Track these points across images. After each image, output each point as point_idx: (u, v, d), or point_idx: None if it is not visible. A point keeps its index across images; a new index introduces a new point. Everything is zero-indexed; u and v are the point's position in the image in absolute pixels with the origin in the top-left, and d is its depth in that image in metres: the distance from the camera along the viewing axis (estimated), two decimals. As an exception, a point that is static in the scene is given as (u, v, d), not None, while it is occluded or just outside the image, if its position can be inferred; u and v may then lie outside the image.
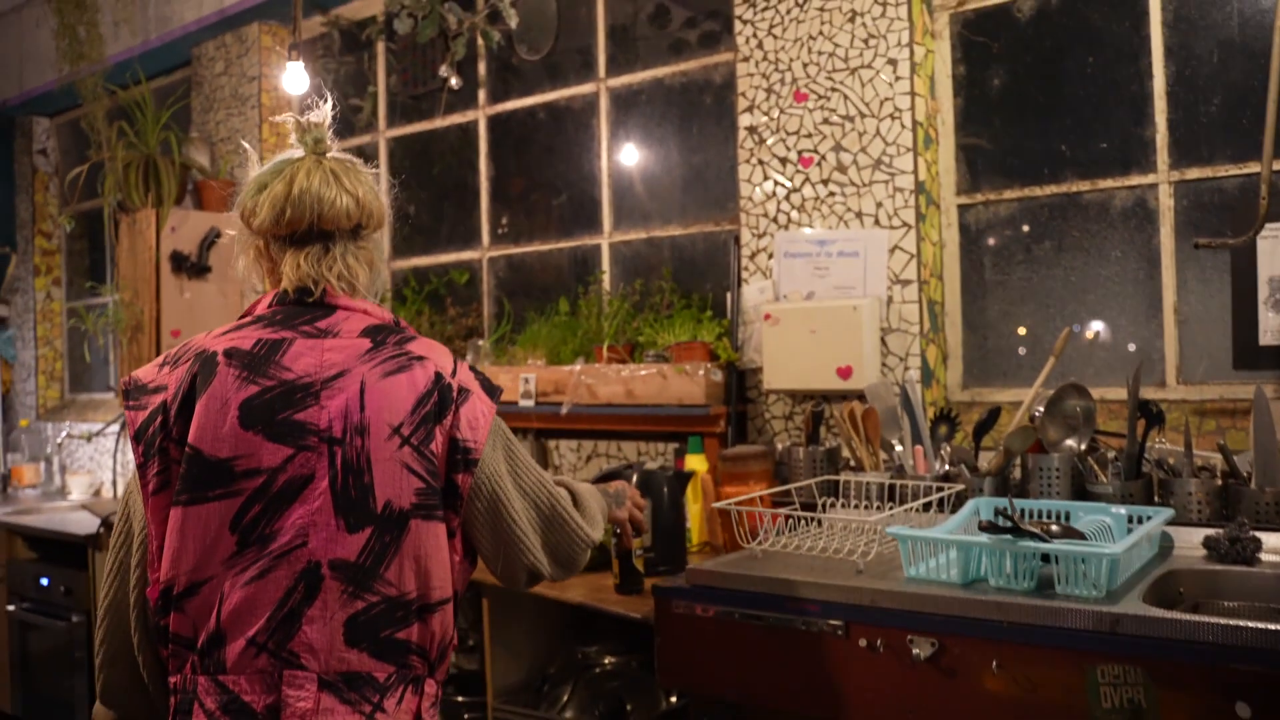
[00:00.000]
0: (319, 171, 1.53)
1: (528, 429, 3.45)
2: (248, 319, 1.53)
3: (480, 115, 3.87)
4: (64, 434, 5.52)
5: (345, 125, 4.42)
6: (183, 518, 1.40)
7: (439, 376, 1.47)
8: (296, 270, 1.53)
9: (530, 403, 3.33)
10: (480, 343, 3.65)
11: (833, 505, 2.43)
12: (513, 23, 3.40)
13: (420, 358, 1.48)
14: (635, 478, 2.51)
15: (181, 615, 1.40)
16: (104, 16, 4.58)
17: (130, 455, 1.49)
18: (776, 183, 2.96)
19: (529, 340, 3.49)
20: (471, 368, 1.57)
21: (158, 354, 4.41)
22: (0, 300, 5.98)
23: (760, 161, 2.98)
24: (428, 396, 1.45)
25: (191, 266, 4.42)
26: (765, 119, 2.97)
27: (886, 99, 2.76)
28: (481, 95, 3.86)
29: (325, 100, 1.61)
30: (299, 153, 1.57)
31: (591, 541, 1.68)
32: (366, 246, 1.59)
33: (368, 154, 4.33)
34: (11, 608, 4.49)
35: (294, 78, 3.32)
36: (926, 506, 2.28)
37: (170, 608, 1.41)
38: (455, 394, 1.48)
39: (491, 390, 1.54)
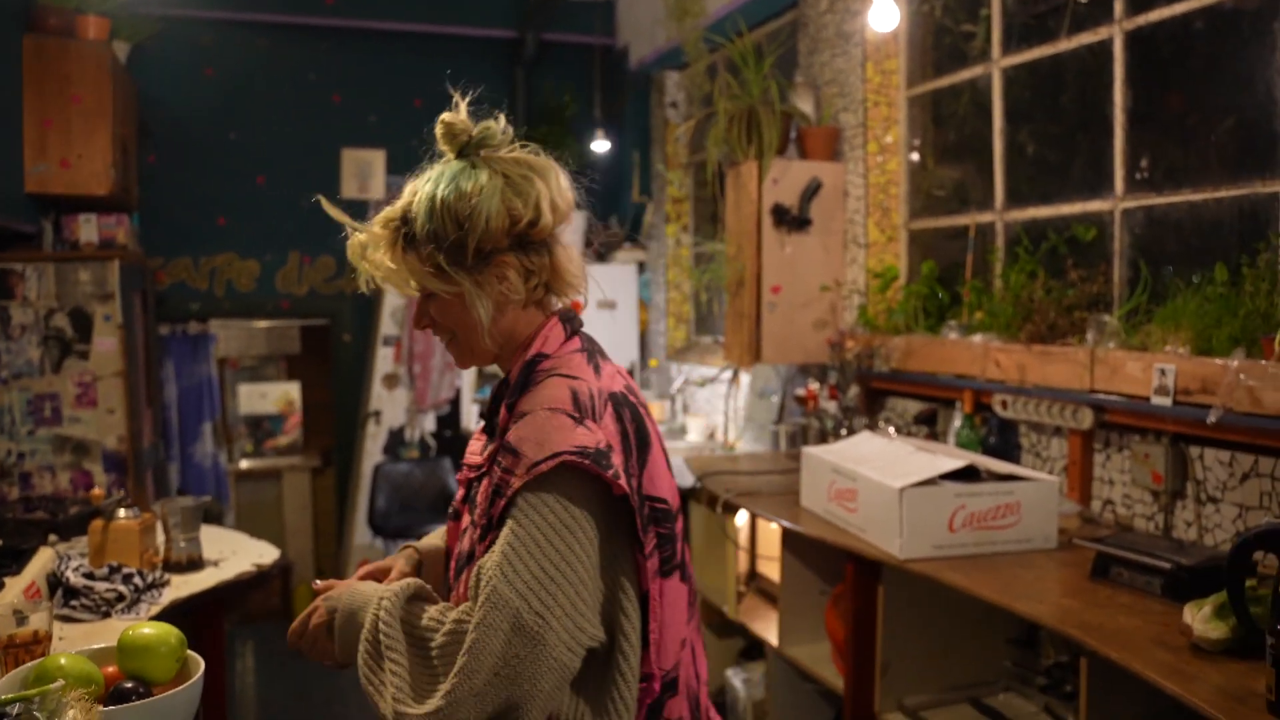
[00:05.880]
0: None
1: (1161, 432, 2.74)
2: (584, 349, 1.49)
3: (1115, 31, 3.12)
4: (683, 378, 5.78)
5: (956, 57, 3.89)
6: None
7: None
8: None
9: (1166, 400, 2.62)
10: (1106, 318, 2.98)
11: None
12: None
13: None
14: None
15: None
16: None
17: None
18: None
19: (1169, 318, 2.75)
20: None
21: (758, 309, 4.35)
22: (639, 246, 6.42)
23: None
24: None
25: (792, 219, 4.24)
26: None
27: None
28: (1118, 6, 3.10)
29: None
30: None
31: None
32: None
33: (980, 87, 3.77)
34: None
35: (882, 12, 2.89)
36: None
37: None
38: None
39: None
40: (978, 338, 3.40)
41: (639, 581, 1.37)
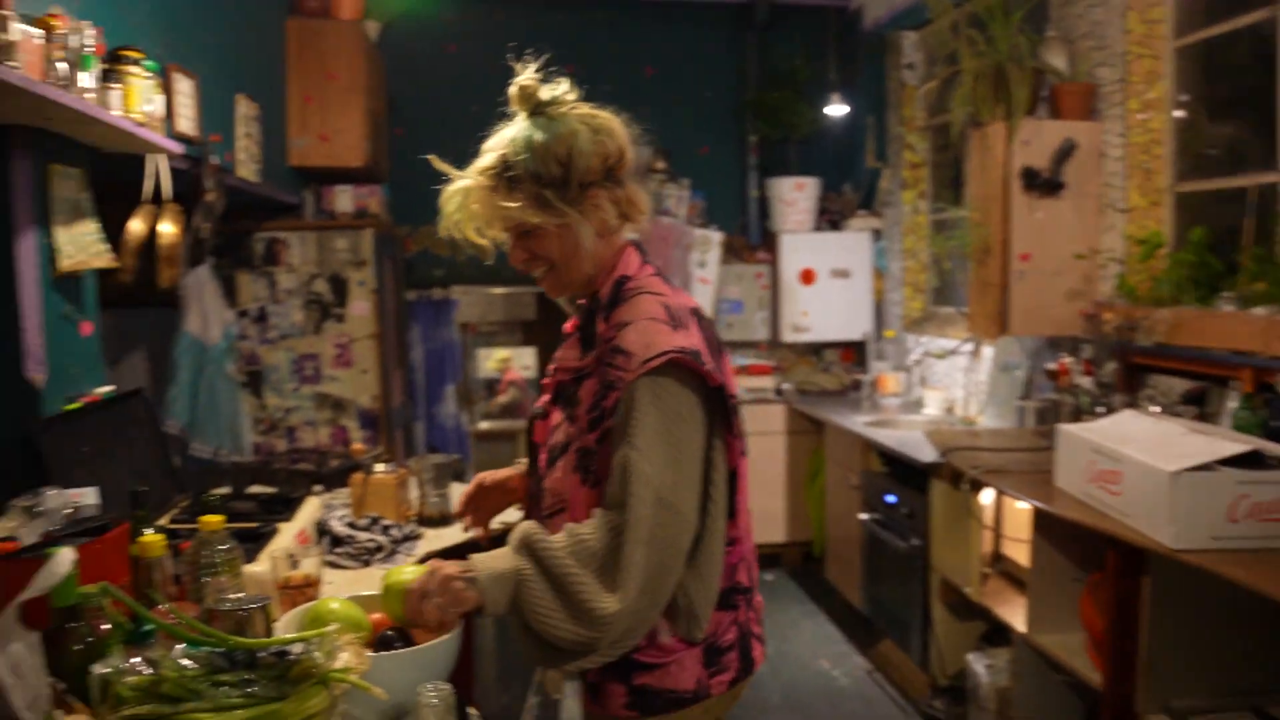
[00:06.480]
0: None
1: None
2: (657, 273, 1.71)
3: None
4: (920, 349, 5.58)
5: (1233, 1, 3.53)
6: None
7: None
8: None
9: None
10: None
11: None
12: None
13: None
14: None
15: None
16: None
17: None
18: None
19: None
20: None
21: (1005, 279, 4.12)
22: (874, 213, 6.23)
23: None
24: None
25: (1044, 183, 3.99)
26: None
27: None
28: None
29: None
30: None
31: None
32: None
33: (1262, 34, 3.41)
34: (864, 516, 4.66)
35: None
36: None
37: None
38: None
39: None
40: (1260, 310, 3.10)
41: (728, 459, 1.61)
